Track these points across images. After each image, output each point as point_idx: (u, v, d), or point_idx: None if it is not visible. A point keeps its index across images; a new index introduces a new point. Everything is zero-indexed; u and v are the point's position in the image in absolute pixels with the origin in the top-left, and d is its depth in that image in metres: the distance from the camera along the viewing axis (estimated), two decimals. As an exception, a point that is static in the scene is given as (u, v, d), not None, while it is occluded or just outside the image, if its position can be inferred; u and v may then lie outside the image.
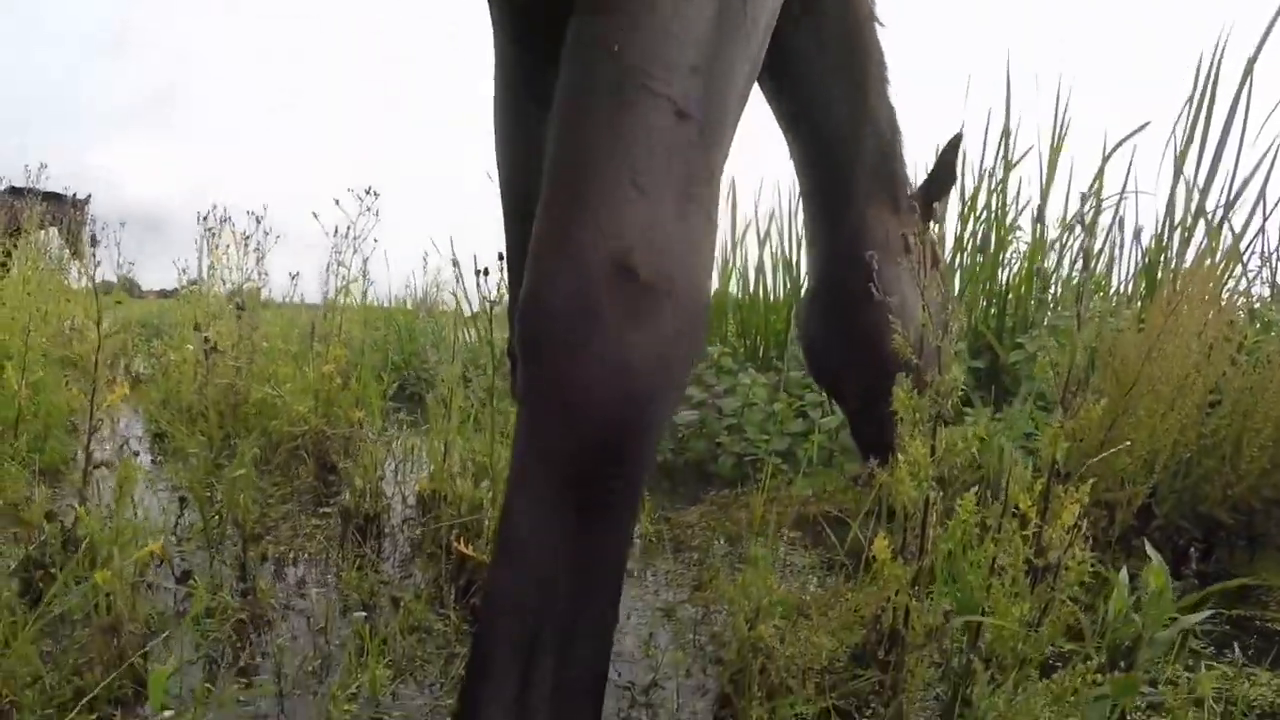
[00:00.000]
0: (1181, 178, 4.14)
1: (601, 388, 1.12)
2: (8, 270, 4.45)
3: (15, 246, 4.89)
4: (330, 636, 1.98)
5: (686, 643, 2.11)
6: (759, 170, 6.14)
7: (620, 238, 1.12)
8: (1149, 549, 1.76)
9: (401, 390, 4.88)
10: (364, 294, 4.14)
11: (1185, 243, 4.12)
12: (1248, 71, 4.02)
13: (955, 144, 2.78)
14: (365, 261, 4.00)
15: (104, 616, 1.65)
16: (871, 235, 2.54)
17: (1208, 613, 1.73)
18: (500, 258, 2.17)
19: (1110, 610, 1.65)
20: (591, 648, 1.23)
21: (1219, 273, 3.39)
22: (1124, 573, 1.69)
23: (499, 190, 2.14)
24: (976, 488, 1.71)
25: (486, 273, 2.18)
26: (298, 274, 4.32)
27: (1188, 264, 3.96)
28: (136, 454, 2.20)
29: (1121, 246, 4.54)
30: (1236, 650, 1.96)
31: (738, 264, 5.92)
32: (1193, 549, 2.68)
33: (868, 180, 2.56)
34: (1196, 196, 4.10)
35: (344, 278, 3.96)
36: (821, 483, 3.37)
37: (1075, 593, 1.61)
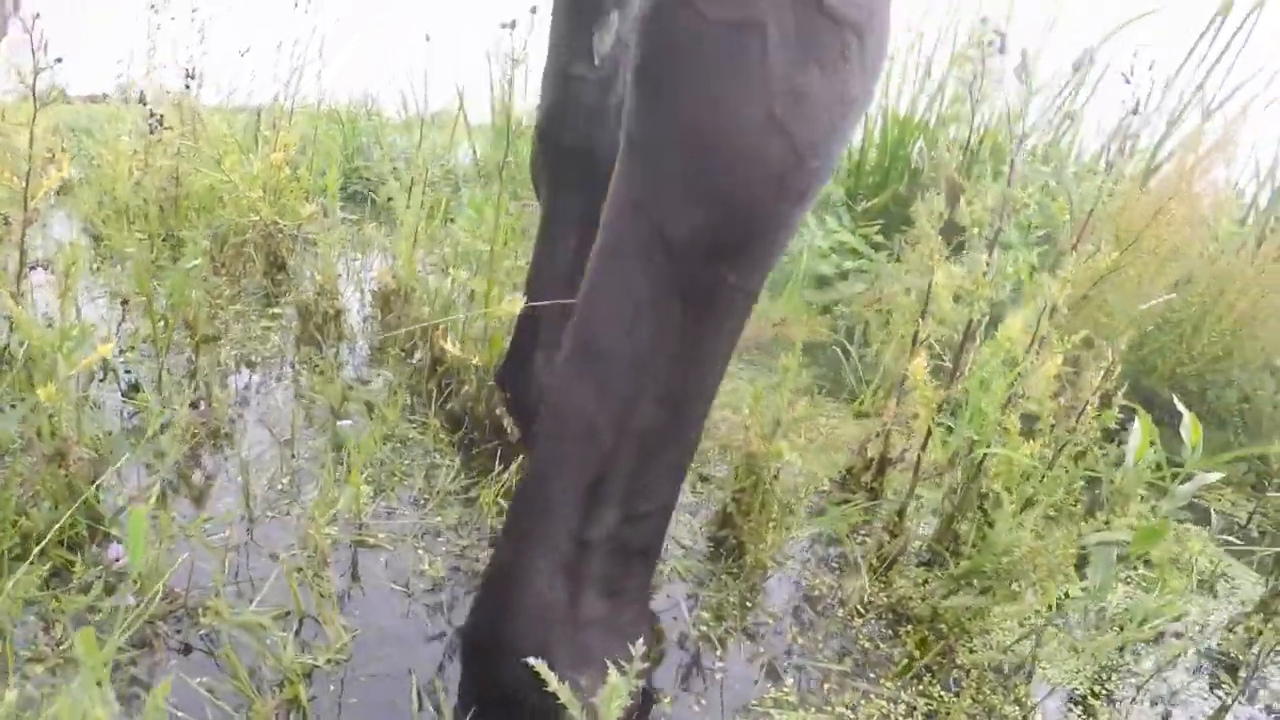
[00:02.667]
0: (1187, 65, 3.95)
1: (757, 133, 0.83)
2: None
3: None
4: (297, 449, 1.83)
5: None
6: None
7: None
8: (1178, 404, 1.70)
9: (344, 189, 4.56)
10: (318, 75, 3.74)
11: (1173, 125, 3.92)
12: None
13: None
14: (324, 40, 3.60)
15: (49, 441, 1.46)
16: None
17: (1219, 475, 1.67)
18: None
19: (1130, 456, 1.57)
20: (662, 496, 1.02)
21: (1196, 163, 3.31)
22: (1143, 416, 1.60)
23: None
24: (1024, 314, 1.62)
25: (514, 25, 1.87)
26: (248, 50, 3.87)
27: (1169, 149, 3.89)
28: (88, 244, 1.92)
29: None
30: (1213, 520, 2.04)
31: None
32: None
33: None
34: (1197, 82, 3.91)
35: (300, 58, 3.55)
36: (788, 305, 3.22)
37: (1094, 437, 1.60)
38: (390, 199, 2.37)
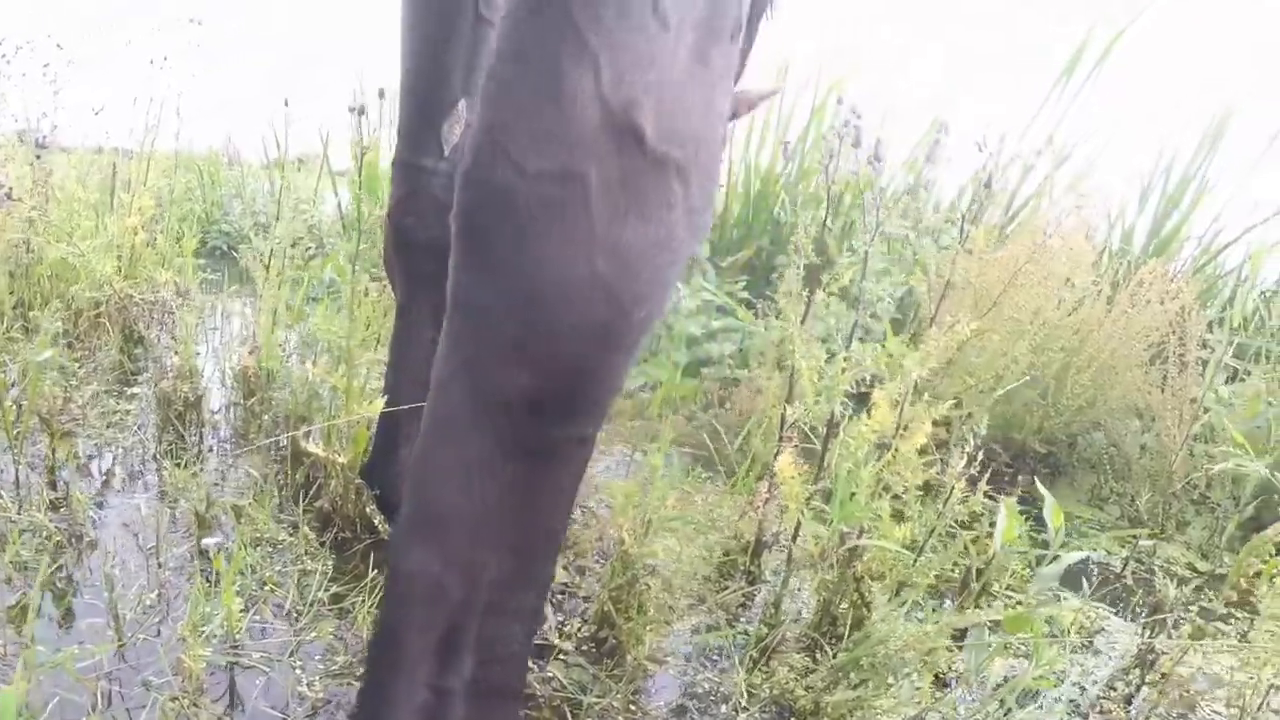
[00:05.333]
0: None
1: (581, 293, 0.81)
2: None
3: None
4: (163, 556, 1.76)
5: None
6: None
7: (625, 83, 0.78)
8: (1040, 487, 1.77)
9: (203, 245, 4.36)
10: (177, 135, 3.61)
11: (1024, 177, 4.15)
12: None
13: None
14: (179, 96, 3.47)
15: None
16: None
17: (1085, 553, 1.76)
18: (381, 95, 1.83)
19: (998, 540, 1.64)
20: (520, 635, 1.01)
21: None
22: (1009, 503, 1.66)
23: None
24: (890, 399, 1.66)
25: (363, 112, 1.82)
26: (102, 109, 3.69)
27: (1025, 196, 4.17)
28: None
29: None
30: (1085, 586, 2.15)
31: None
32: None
33: None
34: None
35: (156, 116, 3.42)
36: (658, 369, 3.19)
37: (960, 518, 1.67)
38: (254, 259, 2.30)
